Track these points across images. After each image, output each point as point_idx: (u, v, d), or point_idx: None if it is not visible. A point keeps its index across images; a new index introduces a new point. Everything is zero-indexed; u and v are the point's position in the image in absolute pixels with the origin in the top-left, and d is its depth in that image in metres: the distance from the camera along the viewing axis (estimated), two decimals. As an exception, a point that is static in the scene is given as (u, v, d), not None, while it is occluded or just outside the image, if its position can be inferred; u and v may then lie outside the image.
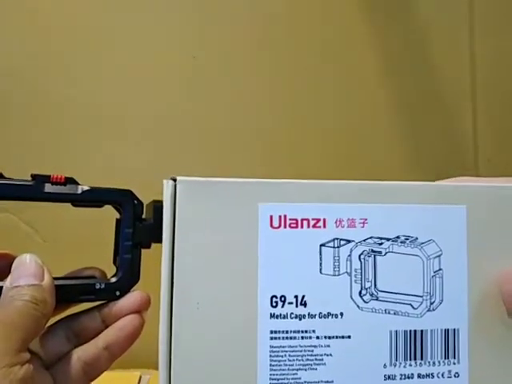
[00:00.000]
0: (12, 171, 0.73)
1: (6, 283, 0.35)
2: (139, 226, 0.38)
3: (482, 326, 0.36)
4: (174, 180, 0.35)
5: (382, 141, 0.78)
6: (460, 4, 0.77)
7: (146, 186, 0.74)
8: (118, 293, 0.38)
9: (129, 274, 0.38)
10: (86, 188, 0.38)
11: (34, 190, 0.37)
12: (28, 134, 0.74)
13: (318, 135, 0.78)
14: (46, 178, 0.37)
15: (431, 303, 0.36)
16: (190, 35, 0.77)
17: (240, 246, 0.35)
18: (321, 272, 0.35)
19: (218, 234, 0.34)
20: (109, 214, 0.74)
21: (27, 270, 0.36)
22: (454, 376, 0.36)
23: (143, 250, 0.39)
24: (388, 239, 0.35)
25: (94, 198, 0.38)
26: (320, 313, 0.35)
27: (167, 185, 0.35)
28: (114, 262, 0.39)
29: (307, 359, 0.35)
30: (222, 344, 0.34)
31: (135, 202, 0.39)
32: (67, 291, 0.37)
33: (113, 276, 0.38)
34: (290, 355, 0.35)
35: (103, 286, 0.37)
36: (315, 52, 0.78)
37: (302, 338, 0.35)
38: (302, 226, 0.35)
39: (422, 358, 0.36)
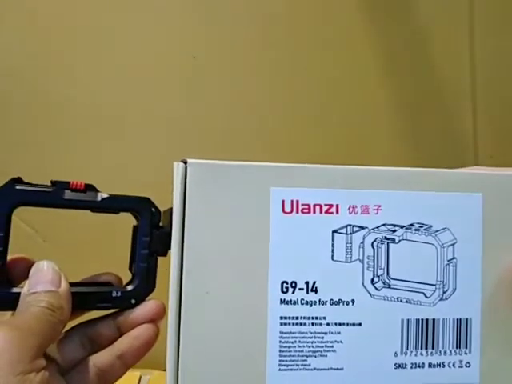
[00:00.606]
0: (11, 171, 0.71)
1: (24, 289, 0.35)
2: (156, 233, 0.37)
3: (494, 316, 0.35)
4: (185, 162, 0.33)
5: (383, 140, 0.77)
6: (460, 4, 0.75)
7: (146, 186, 0.72)
8: (133, 301, 0.37)
9: (145, 282, 0.37)
10: (105, 195, 0.37)
11: (55, 196, 0.36)
12: (28, 134, 0.73)
13: (318, 135, 0.77)
14: (66, 185, 0.36)
15: (444, 292, 0.34)
16: (190, 35, 0.75)
17: (251, 231, 0.33)
18: (333, 259, 0.34)
19: (228, 218, 0.33)
20: (110, 215, 0.73)
21: (44, 276, 0.35)
22: (466, 366, 0.35)
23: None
24: (402, 226, 0.34)
25: (113, 205, 0.37)
26: (331, 299, 0.34)
27: (177, 167, 0.33)
28: (130, 269, 0.38)
29: (317, 346, 0.33)
30: (231, 329, 0.33)
31: (153, 209, 0.37)
32: (84, 298, 0.36)
33: (129, 284, 0.37)
34: (299, 341, 0.33)
35: (119, 294, 0.36)
36: (315, 52, 0.76)
37: (313, 324, 0.33)
38: (314, 212, 0.33)
39: (433, 347, 0.34)
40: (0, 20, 0.72)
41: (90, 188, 0.37)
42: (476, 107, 0.75)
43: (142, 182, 0.71)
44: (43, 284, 0.34)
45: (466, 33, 0.75)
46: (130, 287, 0.37)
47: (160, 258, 0.37)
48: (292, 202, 0.33)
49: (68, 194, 0.36)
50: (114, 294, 0.36)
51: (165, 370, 0.34)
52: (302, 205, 0.33)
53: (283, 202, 0.33)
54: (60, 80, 0.73)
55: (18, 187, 0.36)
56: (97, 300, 0.36)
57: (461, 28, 0.75)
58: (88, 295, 0.36)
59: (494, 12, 0.75)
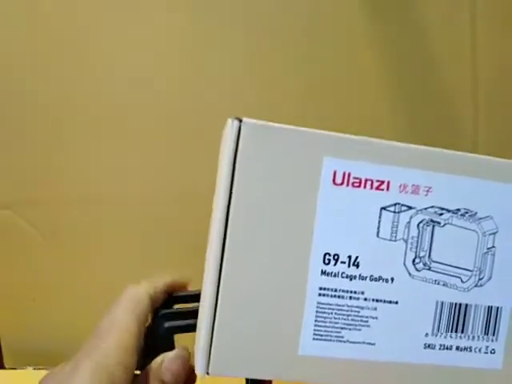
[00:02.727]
0: (12, 170, 0.66)
1: (157, 360, 0.34)
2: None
3: None
4: (240, 120, 0.29)
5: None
6: (462, 2, 0.70)
7: (147, 187, 0.68)
8: None
9: None
10: None
11: None
12: (28, 134, 0.67)
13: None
14: None
15: (480, 279, 0.31)
16: (191, 34, 0.69)
17: (299, 199, 0.30)
18: (378, 235, 0.30)
19: (278, 183, 0.30)
20: (108, 213, 0.68)
21: (182, 370, 0.33)
22: (490, 352, 0.32)
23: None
24: (449, 210, 0.31)
25: None
26: (371, 275, 0.30)
27: (232, 125, 0.29)
28: None
29: (352, 319, 0.30)
30: (269, 294, 0.30)
31: None
32: None
33: None
34: (336, 313, 0.30)
35: None
36: (313, 51, 0.71)
37: (350, 298, 0.30)
38: (365, 187, 0.30)
39: (462, 332, 0.32)
40: (0, 20, 0.66)
41: None
42: (477, 107, 0.72)
43: (142, 182, 0.67)
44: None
45: (467, 33, 0.70)
46: None
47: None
48: (344, 174, 0.30)
49: None
50: None
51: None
52: (354, 178, 0.30)
53: (335, 173, 0.30)
54: (60, 80, 0.66)
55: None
56: None
57: (462, 28, 0.71)
58: None
59: (496, 11, 0.70)
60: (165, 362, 0.33)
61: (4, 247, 0.68)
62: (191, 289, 0.39)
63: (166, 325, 0.35)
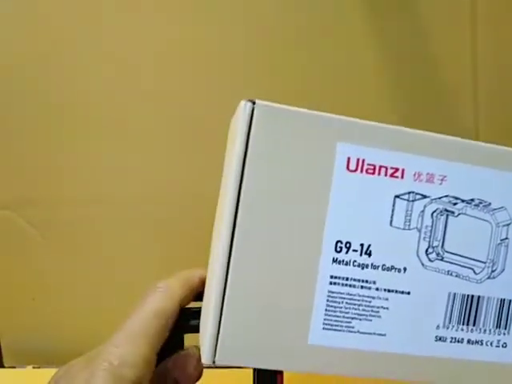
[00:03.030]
0: (12, 170, 0.65)
1: (172, 359, 0.34)
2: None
3: None
4: (253, 103, 0.28)
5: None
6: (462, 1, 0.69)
7: (147, 187, 0.67)
8: None
9: None
10: None
11: None
12: (28, 134, 0.66)
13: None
14: None
15: (492, 271, 0.30)
16: (191, 34, 0.67)
17: (312, 185, 0.28)
18: (391, 224, 0.29)
19: (290, 168, 0.28)
20: (108, 213, 0.66)
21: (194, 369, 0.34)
22: (502, 346, 0.31)
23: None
24: (463, 200, 0.30)
25: None
26: (383, 265, 0.29)
27: (245, 107, 0.28)
28: None
29: (363, 309, 0.29)
30: (279, 282, 0.28)
31: None
32: None
33: None
34: (347, 303, 0.29)
35: None
36: (313, 50, 0.69)
37: (362, 287, 0.29)
38: (379, 174, 0.29)
39: (474, 324, 0.30)
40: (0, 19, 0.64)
41: None
42: (478, 107, 0.71)
43: (142, 184, 0.66)
44: None
45: (467, 33, 0.69)
46: None
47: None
48: (358, 160, 0.29)
49: None
50: None
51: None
52: (368, 165, 0.29)
53: (349, 159, 0.28)
54: (60, 80, 0.65)
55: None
56: None
57: (462, 28, 0.69)
58: None
59: (496, 12, 0.68)
60: (178, 363, 0.33)
61: (4, 247, 0.67)
62: None
63: (178, 324, 0.33)
